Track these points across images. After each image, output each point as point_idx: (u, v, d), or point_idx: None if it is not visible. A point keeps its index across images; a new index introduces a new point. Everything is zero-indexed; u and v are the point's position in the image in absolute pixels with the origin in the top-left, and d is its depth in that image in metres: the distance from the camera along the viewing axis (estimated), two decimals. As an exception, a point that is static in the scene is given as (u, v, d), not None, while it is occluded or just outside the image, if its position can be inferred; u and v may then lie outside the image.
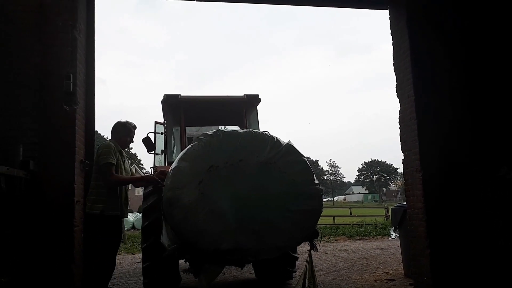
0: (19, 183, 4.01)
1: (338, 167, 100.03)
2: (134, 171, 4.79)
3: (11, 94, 4.39)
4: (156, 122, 7.37)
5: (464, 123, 5.10)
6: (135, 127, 4.55)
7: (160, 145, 6.88)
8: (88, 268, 4.49)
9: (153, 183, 4.50)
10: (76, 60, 4.50)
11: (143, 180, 4.59)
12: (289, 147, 4.24)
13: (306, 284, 4.23)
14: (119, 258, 9.69)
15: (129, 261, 9.13)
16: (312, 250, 4.28)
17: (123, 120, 4.52)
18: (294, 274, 5.81)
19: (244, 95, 6.41)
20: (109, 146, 4.21)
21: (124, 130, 4.47)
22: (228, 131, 4.41)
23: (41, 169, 4.27)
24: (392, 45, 5.60)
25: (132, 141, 4.59)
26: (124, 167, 4.41)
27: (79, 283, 4.42)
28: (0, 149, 4.17)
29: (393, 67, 5.56)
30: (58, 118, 4.39)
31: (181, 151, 4.35)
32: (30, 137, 4.35)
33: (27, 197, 4.10)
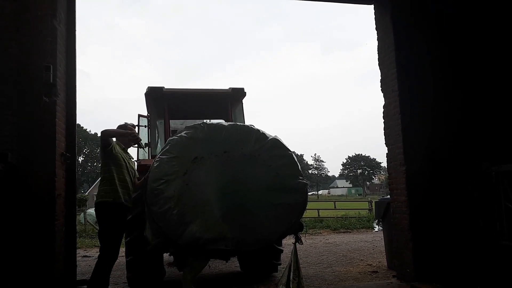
0: (-3, 176, 3.90)
1: (322, 161, 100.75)
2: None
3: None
4: (139, 115, 7.26)
5: (448, 118, 5.17)
6: (134, 126, 4.68)
7: (143, 138, 6.79)
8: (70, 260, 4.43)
9: (131, 139, 4.51)
10: (56, 51, 4.38)
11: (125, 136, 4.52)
12: (275, 141, 4.24)
13: (291, 276, 4.25)
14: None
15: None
16: (297, 243, 4.30)
17: (122, 123, 4.63)
18: (279, 266, 5.83)
19: (230, 88, 6.36)
20: None
21: (124, 129, 4.54)
22: (212, 123, 4.39)
23: (20, 162, 4.16)
24: (377, 40, 5.62)
25: (135, 139, 4.62)
26: (130, 165, 4.46)
27: (60, 276, 4.35)
28: (-24, 141, 4.04)
29: (378, 62, 5.59)
30: (37, 110, 4.28)
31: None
32: (9, 129, 4.22)
33: (5, 191, 3.99)
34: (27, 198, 4.13)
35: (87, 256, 8.63)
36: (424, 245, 4.91)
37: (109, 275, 4.30)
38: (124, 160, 4.32)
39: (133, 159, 4.68)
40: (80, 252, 8.31)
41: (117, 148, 4.28)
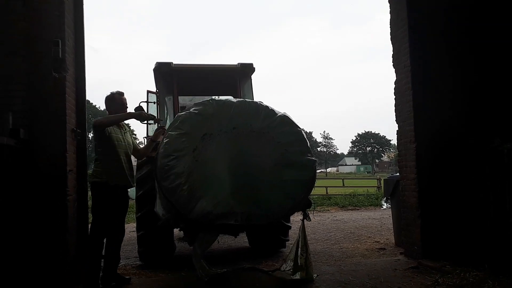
0: (9, 152, 3.93)
1: (331, 138, 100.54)
2: (137, 144, 4.82)
3: (-1, 60, 4.24)
4: (148, 91, 7.24)
5: (461, 94, 5.07)
6: (121, 94, 4.54)
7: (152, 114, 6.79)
8: (83, 235, 4.52)
9: (137, 117, 4.38)
10: (64, 25, 4.33)
11: (128, 115, 4.41)
12: (284, 117, 4.22)
13: (299, 252, 4.30)
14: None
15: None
16: (305, 220, 4.32)
17: (108, 93, 4.52)
18: (287, 242, 5.90)
19: (238, 63, 6.28)
20: None
21: (113, 102, 4.48)
22: (221, 100, 4.36)
23: (32, 137, 4.19)
24: (390, 13, 5.47)
25: (127, 107, 4.55)
26: (126, 139, 4.46)
27: (74, 251, 4.45)
28: (-13, 117, 4.06)
29: (390, 36, 5.45)
30: (47, 85, 4.26)
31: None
32: (19, 105, 4.23)
33: (18, 166, 4.04)
34: (39, 174, 4.17)
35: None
36: (433, 222, 4.91)
37: (119, 251, 4.42)
38: (118, 139, 4.33)
39: (128, 131, 4.64)
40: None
41: (110, 129, 4.27)
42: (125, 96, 4.58)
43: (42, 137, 4.23)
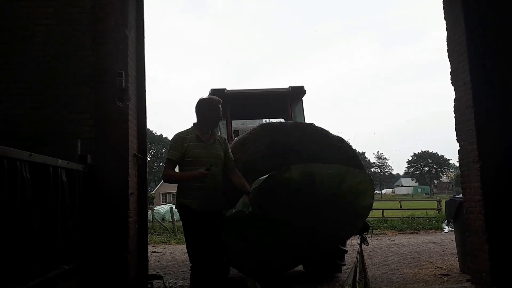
0: (78, 176, 4.21)
1: (386, 159, 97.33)
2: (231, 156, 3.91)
3: (70, 92, 4.59)
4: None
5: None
6: (220, 101, 3.84)
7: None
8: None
9: (199, 178, 3.53)
10: (127, 57, 4.64)
11: (192, 177, 3.57)
12: (340, 140, 4.22)
13: (357, 277, 4.17)
14: (169, 249, 10.06)
15: (179, 251, 9.43)
16: (363, 244, 4.21)
17: (204, 97, 3.90)
18: (343, 267, 5.73)
19: (289, 87, 6.36)
20: (173, 140, 3.72)
21: (210, 109, 3.77)
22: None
23: (98, 162, 4.46)
24: (446, 30, 5.32)
25: (221, 118, 3.95)
26: (209, 152, 3.67)
27: (134, 271, 4.61)
28: (60, 144, 4.39)
29: (447, 54, 5.29)
30: (112, 113, 4.55)
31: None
32: (87, 132, 4.54)
33: (85, 190, 4.30)
34: (104, 196, 4.40)
35: (155, 252, 9.11)
36: (503, 247, 4.57)
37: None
38: (198, 154, 3.63)
39: (219, 139, 3.85)
40: (149, 248, 8.80)
41: (187, 144, 3.64)
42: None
43: (106, 162, 4.47)
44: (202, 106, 3.79)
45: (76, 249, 3.99)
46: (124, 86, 4.57)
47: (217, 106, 3.79)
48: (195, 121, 3.83)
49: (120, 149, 4.52)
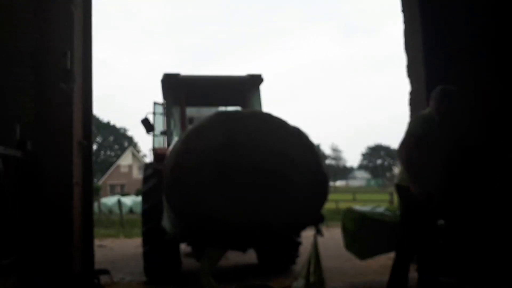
0: (16, 164, 3.89)
1: (340, 151, 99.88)
2: None
3: (8, 72, 4.25)
4: (155, 103, 7.19)
5: (478, 104, 4.90)
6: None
7: (159, 126, 6.73)
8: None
9: None
10: (73, 36, 4.35)
11: None
12: (297, 131, 4.13)
13: (312, 269, 4.14)
14: (116, 242, 9.69)
15: (128, 244, 9.13)
16: (317, 235, 4.19)
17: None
18: (297, 259, 5.73)
19: (247, 74, 6.23)
20: (417, 117, 3.83)
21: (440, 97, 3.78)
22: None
23: (39, 149, 4.15)
24: (403, 23, 5.39)
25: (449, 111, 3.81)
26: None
27: (79, 265, 4.36)
28: (-3, 128, 4.04)
29: (404, 46, 5.36)
30: (55, 96, 4.27)
31: (181, 132, 4.22)
32: (27, 116, 4.24)
33: (23, 179, 3.99)
34: (45, 186, 4.14)
35: (102, 246, 8.69)
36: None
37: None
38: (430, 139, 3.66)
39: None
40: (95, 242, 8.46)
41: None
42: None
43: (48, 149, 4.22)
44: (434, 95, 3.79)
45: (13, 243, 3.69)
46: (68, 67, 4.25)
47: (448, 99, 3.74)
48: None
49: (63, 135, 4.26)
